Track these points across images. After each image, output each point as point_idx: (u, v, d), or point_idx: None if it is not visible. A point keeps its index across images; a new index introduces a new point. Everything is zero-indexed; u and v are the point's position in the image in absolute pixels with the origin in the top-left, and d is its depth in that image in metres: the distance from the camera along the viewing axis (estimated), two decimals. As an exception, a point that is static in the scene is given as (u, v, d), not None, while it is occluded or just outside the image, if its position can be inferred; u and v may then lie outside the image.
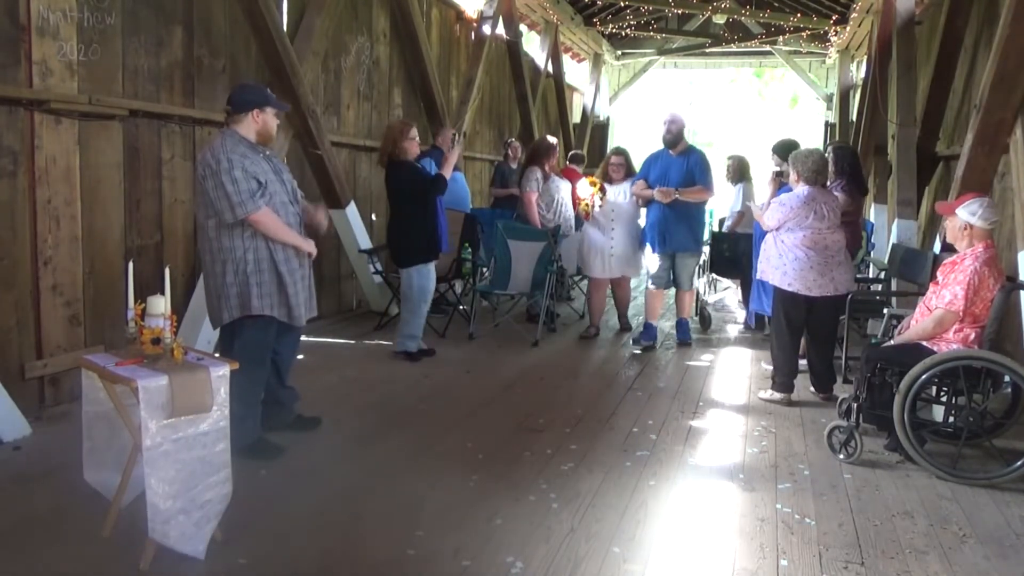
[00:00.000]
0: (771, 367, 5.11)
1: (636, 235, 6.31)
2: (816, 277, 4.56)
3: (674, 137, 6.05)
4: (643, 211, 6.30)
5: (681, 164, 5.98)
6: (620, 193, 6.27)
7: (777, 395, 4.74)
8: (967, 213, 3.71)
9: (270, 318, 3.53)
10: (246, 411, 3.50)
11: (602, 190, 6.31)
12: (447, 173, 5.29)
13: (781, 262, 4.63)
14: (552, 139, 7.13)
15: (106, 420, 2.79)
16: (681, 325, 6.43)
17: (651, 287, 6.23)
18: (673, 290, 6.42)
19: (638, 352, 6.05)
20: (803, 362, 5.20)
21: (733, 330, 7.05)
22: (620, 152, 6.51)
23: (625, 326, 6.85)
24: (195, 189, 3.55)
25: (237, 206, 3.34)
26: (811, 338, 4.79)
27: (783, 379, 4.75)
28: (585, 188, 6.42)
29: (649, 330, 6.22)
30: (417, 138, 5.30)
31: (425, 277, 5.37)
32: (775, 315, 4.79)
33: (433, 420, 4.26)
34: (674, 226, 5.99)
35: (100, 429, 2.82)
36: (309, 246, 3.63)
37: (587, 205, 6.37)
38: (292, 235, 3.54)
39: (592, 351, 6.01)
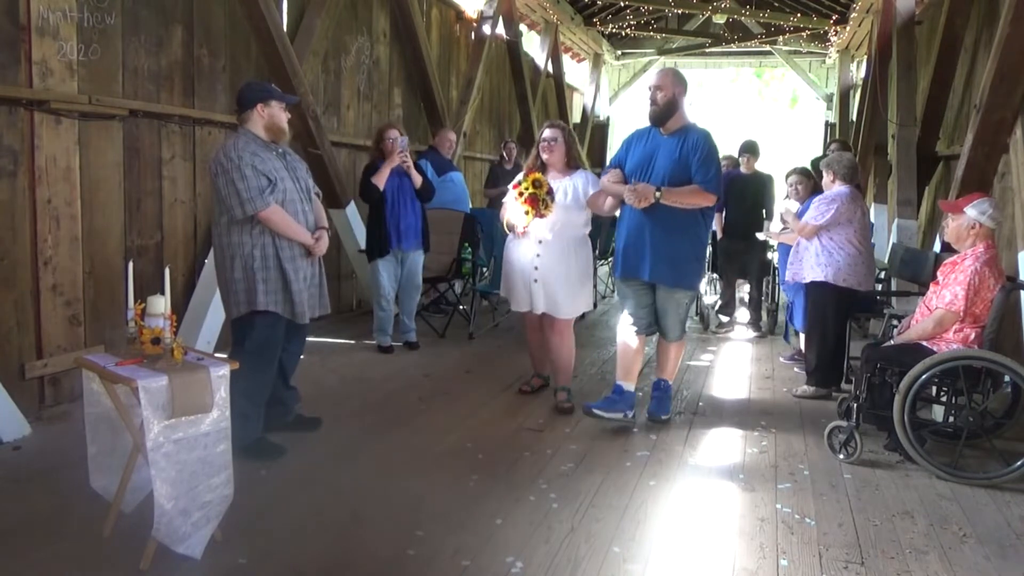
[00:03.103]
0: (796, 364, 5.50)
1: (578, 253, 4.37)
2: (866, 272, 4.69)
3: (662, 110, 3.97)
4: (617, 214, 4.38)
5: (672, 149, 3.96)
6: (560, 191, 4.29)
7: (823, 390, 4.75)
8: (977, 212, 3.72)
9: (278, 315, 3.55)
10: (251, 409, 3.52)
11: (544, 201, 4.20)
12: (379, 181, 5.41)
13: (831, 259, 4.66)
14: None
15: (108, 422, 2.79)
16: (659, 390, 4.32)
17: (621, 335, 4.26)
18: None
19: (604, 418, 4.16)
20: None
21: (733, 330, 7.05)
22: (556, 125, 4.49)
23: (562, 404, 4.45)
24: (211, 187, 3.63)
25: (247, 202, 3.39)
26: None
27: (824, 375, 4.74)
28: (516, 209, 4.30)
29: (620, 397, 4.17)
30: (391, 139, 5.46)
31: (373, 273, 5.62)
32: (817, 312, 4.77)
33: (433, 420, 4.26)
34: (658, 243, 3.98)
35: (103, 432, 2.82)
36: (317, 248, 3.64)
37: (528, 214, 4.25)
38: (301, 232, 3.56)
39: (592, 351, 6.00)
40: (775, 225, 6.20)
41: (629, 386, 4.23)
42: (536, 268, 4.35)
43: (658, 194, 3.89)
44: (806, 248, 4.82)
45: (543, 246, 4.33)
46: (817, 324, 4.82)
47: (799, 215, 5.02)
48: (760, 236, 6.24)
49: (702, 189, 3.90)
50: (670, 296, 4.11)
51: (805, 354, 5.09)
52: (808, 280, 4.79)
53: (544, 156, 4.40)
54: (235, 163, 3.38)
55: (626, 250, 4.14)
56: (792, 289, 5.34)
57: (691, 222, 4.00)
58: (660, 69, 4.26)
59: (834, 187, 4.83)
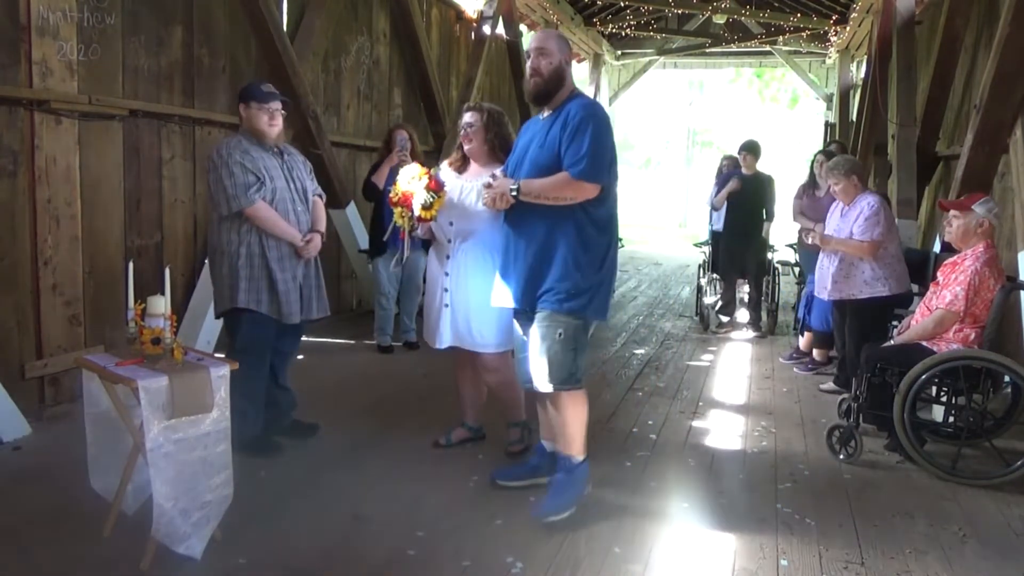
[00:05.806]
0: (796, 364, 5.56)
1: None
2: (904, 271, 4.57)
3: (548, 82, 3.02)
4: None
5: (544, 132, 3.04)
6: (474, 191, 3.38)
7: (847, 392, 4.69)
8: (984, 209, 3.73)
9: (263, 314, 3.54)
10: (247, 405, 3.50)
11: (423, 200, 3.33)
12: (378, 179, 5.53)
13: (892, 270, 4.47)
14: None
15: (108, 422, 2.79)
16: (561, 469, 3.18)
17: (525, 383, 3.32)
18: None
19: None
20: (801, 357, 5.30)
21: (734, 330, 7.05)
22: (475, 108, 3.52)
23: (511, 447, 3.70)
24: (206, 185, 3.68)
25: (232, 199, 3.42)
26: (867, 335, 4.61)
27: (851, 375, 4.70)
28: (409, 184, 3.41)
29: (539, 460, 3.41)
30: (394, 141, 5.54)
31: (373, 272, 5.80)
32: (861, 322, 4.50)
33: (433, 420, 4.25)
34: (523, 256, 3.06)
35: (103, 433, 2.82)
36: (306, 250, 3.59)
37: (404, 217, 3.46)
38: (289, 231, 3.55)
39: (591, 352, 5.99)
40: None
41: (550, 444, 3.39)
42: (446, 290, 3.50)
43: (513, 190, 2.98)
44: (852, 263, 4.50)
45: (451, 261, 3.48)
46: (854, 332, 4.52)
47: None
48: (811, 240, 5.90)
49: (567, 178, 2.90)
50: (541, 322, 3.02)
51: (847, 358, 4.75)
52: (867, 296, 4.48)
53: (465, 146, 3.50)
54: (224, 159, 3.44)
55: (501, 270, 3.22)
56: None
57: (566, 222, 2.97)
58: (541, 31, 2.85)
59: (860, 193, 4.58)
